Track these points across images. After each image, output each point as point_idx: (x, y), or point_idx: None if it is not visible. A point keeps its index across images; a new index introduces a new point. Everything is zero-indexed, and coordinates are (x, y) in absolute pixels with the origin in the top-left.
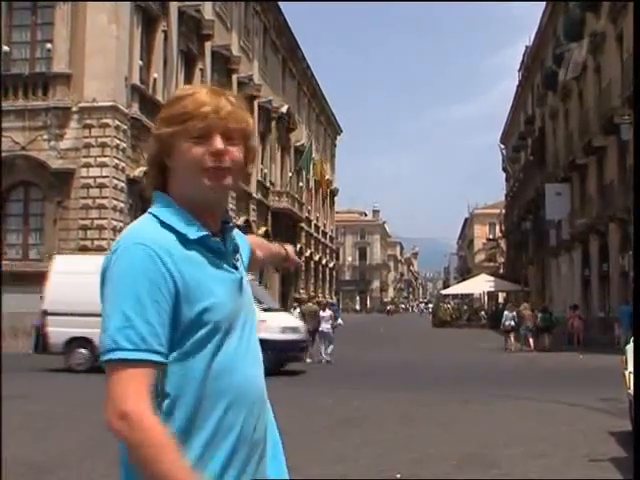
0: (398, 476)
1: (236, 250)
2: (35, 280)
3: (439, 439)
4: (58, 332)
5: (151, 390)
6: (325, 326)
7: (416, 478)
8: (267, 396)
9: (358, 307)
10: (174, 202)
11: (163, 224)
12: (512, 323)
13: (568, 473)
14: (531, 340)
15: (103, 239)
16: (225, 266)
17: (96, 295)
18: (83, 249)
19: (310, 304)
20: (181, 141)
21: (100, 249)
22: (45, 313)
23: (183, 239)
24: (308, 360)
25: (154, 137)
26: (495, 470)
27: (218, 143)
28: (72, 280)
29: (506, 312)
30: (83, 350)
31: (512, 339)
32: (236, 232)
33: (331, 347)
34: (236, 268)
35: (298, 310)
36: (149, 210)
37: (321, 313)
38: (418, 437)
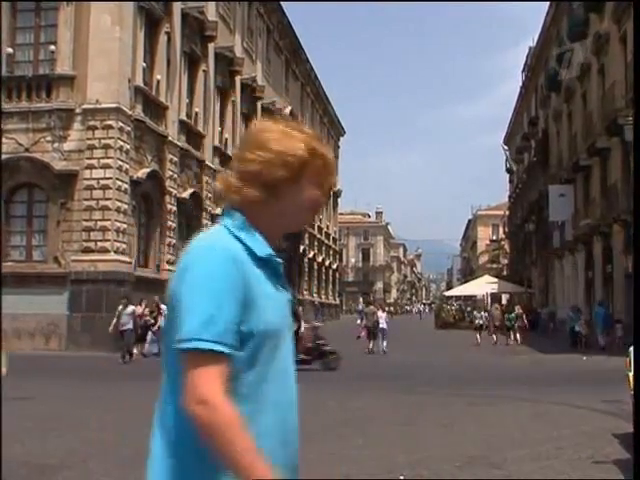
0: (401, 477)
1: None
2: (38, 282)
3: (442, 440)
4: None
5: (226, 381)
6: (384, 324)
7: (419, 479)
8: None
9: (360, 308)
10: (250, 222)
11: (236, 238)
12: (481, 322)
13: (572, 475)
14: (494, 336)
15: (106, 240)
16: (279, 286)
17: None
18: (86, 250)
19: (372, 307)
20: (301, 183)
21: (103, 250)
22: None
23: (252, 254)
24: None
25: (256, 177)
26: (498, 471)
27: (327, 193)
28: None
29: (475, 312)
30: None
31: (479, 335)
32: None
33: (386, 341)
34: (286, 290)
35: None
36: (222, 223)
37: (379, 313)
38: (421, 438)
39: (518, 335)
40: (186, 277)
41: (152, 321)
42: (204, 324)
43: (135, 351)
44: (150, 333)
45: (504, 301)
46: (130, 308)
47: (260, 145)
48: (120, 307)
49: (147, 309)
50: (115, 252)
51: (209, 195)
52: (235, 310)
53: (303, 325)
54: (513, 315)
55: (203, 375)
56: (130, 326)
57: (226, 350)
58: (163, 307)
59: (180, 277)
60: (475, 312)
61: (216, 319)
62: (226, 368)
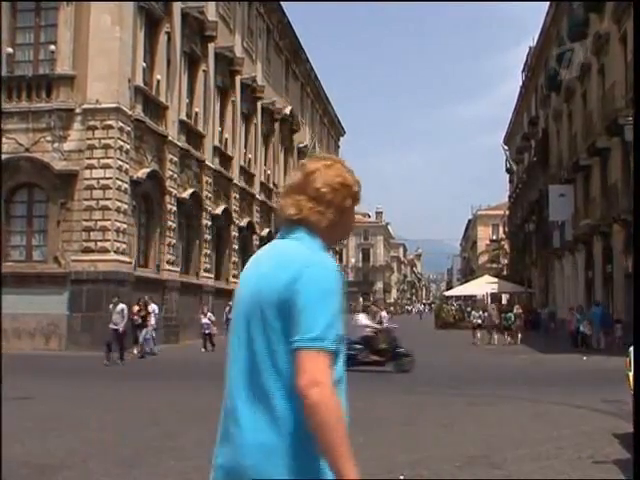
0: (401, 477)
1: None
2: (38, 282)
3: (442, 440)
4: None
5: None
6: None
7: (419, 479)
8: None
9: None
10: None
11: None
12: (479, 321)
13: (572, 475)
14: (496, 336)
15: (106, 240)
16: None
17: None
18: (86, 251)
19: (373, 307)
20: (352, 208)
21: (103, 250)
22: None
23: None
24: None
25: (331, 204)
26: (498, 471)
27: None
28: None
29: (473, 312)
30: None
31: (478, 334)
32: None
33: None
34: None
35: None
36: (302, 240)
37: (382, 314)
38: (421, 438)
39: (518, 334)
40: (307, 288)
41: (140, 321)
42: (328, 328)
43: (135, 352)
44: (141, 333)
45: (504, 301)
46: (120, 306)
47: (332, 180)
48: (110, 306)
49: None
50: (115, 252)
51: (209, 195)
52: (341, 317)
53: (374, 326)
54: (511, 315)
55: (320, 365)
56: (121, 326)
57: (338, 349)
58: (152, 307)
59: (300, 279)
60: (473, 312)
61: (335, 324)
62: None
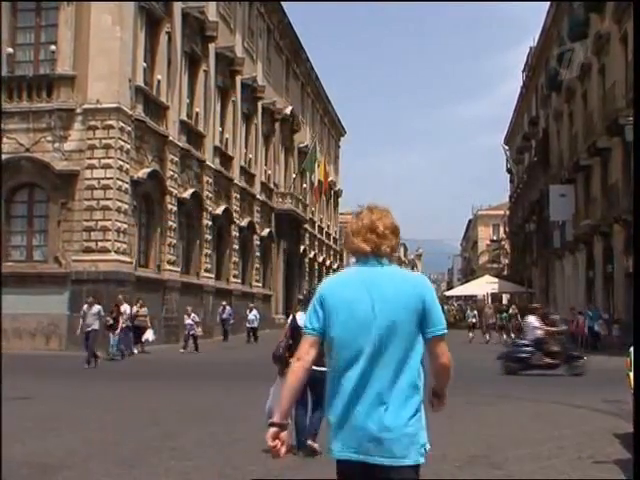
0: None
1: None
2: (38, 282)
3: (442, 440)
4: None
5: None
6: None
7: (420, 479)
8: None
9: None
10: None
11: None
12: (473, 320)
13: (572, 475)
14: (487, 335)
15: (107, 240)
16: None
17: None
18: (87, 250)
19: None
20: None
21: (104, 250)
22: None
23: None
24: None
25: (395, 242)
26: (499, 471)
27: None
28: None
29: (468, 311)
30: None
31: (470, 334)
32: None
33: None
34: None
35: None
36: (393, 265)
37: None
38: None
39: (512, 334)
40: (432, 293)
41: (111, 322)
42: (444, 322)
43: (134, 351)
44: (111, 335)
45: (505, 301)
46: (96, 308)
47: (391, 224)
48: (85, 307)
49: (143, 308)
50: (116, 252)
51: (209, 195)
52: None
53: (546, 328)
54: (506, 315)
55: (446, 344)
56: (96, 327)
57: None
58: (123, 307)
59: (426, 292)
60: (468, 311)
61: None
62: None
